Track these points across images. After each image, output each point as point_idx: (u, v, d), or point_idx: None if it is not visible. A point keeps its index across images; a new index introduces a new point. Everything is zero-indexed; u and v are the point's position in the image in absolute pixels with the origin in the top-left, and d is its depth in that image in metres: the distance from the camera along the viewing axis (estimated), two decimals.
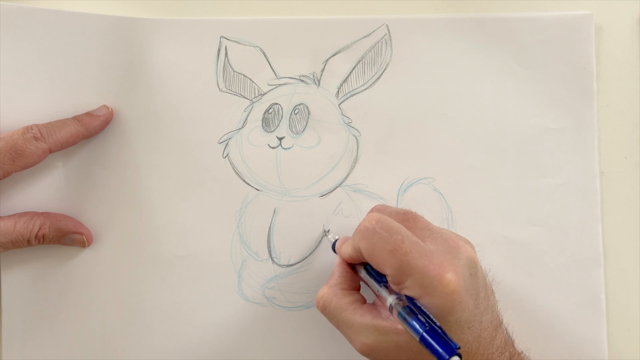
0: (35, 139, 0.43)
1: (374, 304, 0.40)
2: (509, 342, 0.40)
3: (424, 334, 0.34)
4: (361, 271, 0.41)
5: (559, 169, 0.47)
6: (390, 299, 0.37)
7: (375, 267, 0.38)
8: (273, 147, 0.47)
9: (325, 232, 0.47)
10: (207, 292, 0.47)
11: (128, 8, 0.48)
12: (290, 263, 0.47)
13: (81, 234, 0.46)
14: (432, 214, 0.47)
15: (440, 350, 0.33)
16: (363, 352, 0.39)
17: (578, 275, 0.47)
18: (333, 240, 0.46)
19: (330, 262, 0.47)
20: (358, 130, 0.48)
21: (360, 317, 0.38)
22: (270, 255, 0.47)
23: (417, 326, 0.34)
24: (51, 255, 0.47)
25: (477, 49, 0.48)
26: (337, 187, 0.47)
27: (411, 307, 0.36)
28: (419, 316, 0.35)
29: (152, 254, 0.47)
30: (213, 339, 0.47)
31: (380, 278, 0.39)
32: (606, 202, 0.47)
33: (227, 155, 0.47)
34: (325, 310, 0.40)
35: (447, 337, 0.34)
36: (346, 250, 0.41)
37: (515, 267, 0.47)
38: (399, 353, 0.38)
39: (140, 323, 0.47)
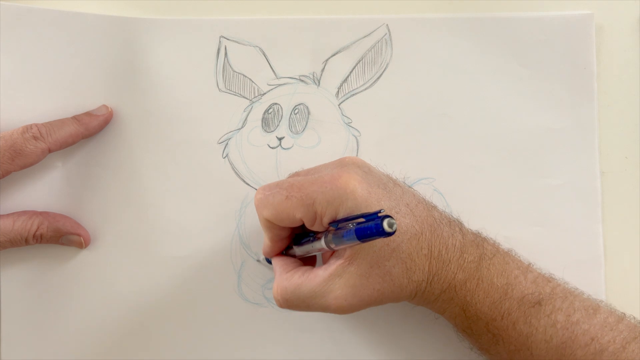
0: (35, 138, 0.43)
1: (323, 264, 0.40)
2: (453, 220, 0.41)
3: (356, 230, 0.34)
4: (294, 250, 0.41)
5: (559, 169, 0.47)
6: (323, 240, 0.37)
7: (288, 223, 0.38)
8: (273, 147, 0.47)
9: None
10: (207, 292, 0.47)
11: (128, 8, 0.48)
12: None
13: (79, 235, 0.46)
14: None
15: (373, 226, 0.33)
16: (342, 308, 0.38)
17: (578, 275, 0.46)
18: (262, 257, 0.46)
19: None
20: (358, 130, 0.48)
21: (316, 279, 0.38)
22: None
23: (350, 231, 0.34)
24: (51, 255, 0.47)
25: (477, 49, 0.47)
26: None
27: (338, 228, 0.36)
28: (347, 226, 0.35)
29: (151, 255, 0.47)
30: (213, 339, 0.47)
31: (307, 239, 0.40)
32: (607, 203, 0.47)
33: (227, 155, 0.47)
34: (287, 301, 0.39)
35: (371, 214, 0.34)
36: (266, 243, 0.42)
37: None
38: (369, 279, 0.37)
39: (139, 323, 0.47)
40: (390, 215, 0.33)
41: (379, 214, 0.33)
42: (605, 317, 0.38)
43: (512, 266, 0.40)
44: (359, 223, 0.34)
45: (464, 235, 0.40)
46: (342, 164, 0.39)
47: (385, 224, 0.32)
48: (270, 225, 0.40)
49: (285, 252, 0.43)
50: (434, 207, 0.40)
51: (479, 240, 0.40)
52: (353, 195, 0.36)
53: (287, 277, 0.40)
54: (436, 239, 0.38)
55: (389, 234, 0.32)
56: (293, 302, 0.39)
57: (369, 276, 0.37)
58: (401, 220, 0.38)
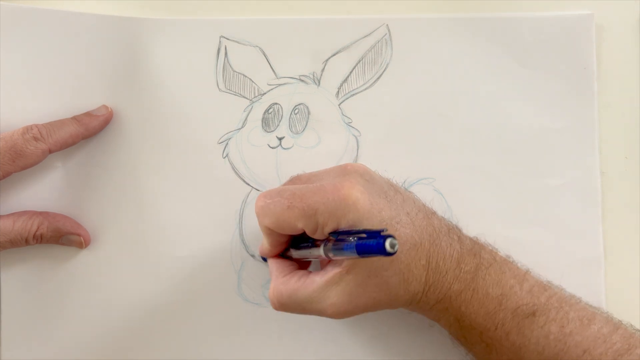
0: (35, 139, 0.43)
1: (320, 269, 0.40)
2: (452, 227, 0.40)
3: (357, 245, 0.34)
4: (292, 253, 0.41)
5: (559, 169, 0.47)
6: (322, 248, 0.37)
7: (289, 231, 0.39)
8: (273, 147, 0.47)
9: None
10: (207, 292, 0.47)
11: (128, 8, 0.48)
12: None
13: (79, 235, 0.46)
14: None
15: (374, 244, 0.33)
16: (338, 314, 0.38)
17: (578, 275, 0.46)
18: (258, 255, 0.46)
19: None
20: (358, 130, 0.48)
21: (312, 285, 0.38)
22: None
23: (350, 245, 0.34)
24: (51, 255, 0.47)
25: (477, 49, 0.47)
26: None
27: (338, 239, 0.36)
28: (347, 238, 0.35)
29: (151, 255, 0.47)
30: (213, 339, 0.47)
31: (306, 244, 0.39)
32: (607, 203, 0.47)
33: (227, 155, 0.47)
34: (282, 304, 0.40)
35: (373, 231, 0.34)
36: (264, 245, 0.41)
37: None
38: (365, 289, 0.37)
39: (139, 323, 0.47)
40: (393, 235, 0.33)
41: (382, 233, 0.33)
42: (600, 327, 0.38)
43: (508, 275, 0.39)
44: (360, 238, 0.34)
45: (462, 244, 0.40)
46: (345, 172, 0.39)
47: (387, 244, 0.32)
48: (270, 232, 0.40)
49: (282, 253, 0.43)
50: (434, 214, 0.40)
51: (476, 248, 0.40)
52: (355, 207, 0.36)
53: (283, 281, 0.40)
54: (435, 250, 0.38)
55: (390, 254, 0.32)
56: (289, 306, 0.39)
57: (366, 285, 0.37)
58: (401, 231, 0.37)
